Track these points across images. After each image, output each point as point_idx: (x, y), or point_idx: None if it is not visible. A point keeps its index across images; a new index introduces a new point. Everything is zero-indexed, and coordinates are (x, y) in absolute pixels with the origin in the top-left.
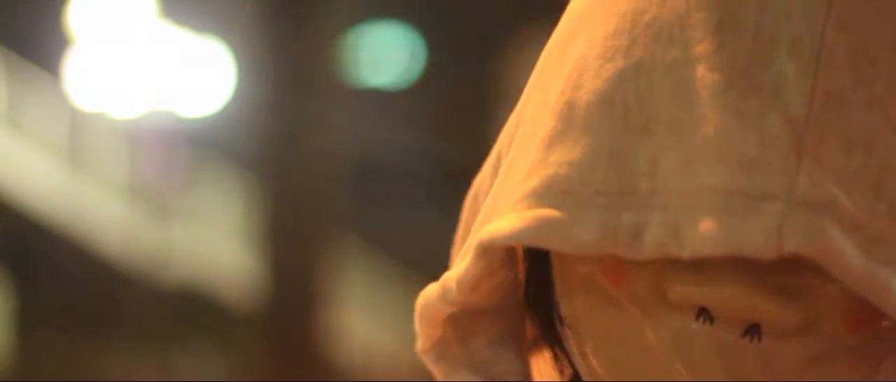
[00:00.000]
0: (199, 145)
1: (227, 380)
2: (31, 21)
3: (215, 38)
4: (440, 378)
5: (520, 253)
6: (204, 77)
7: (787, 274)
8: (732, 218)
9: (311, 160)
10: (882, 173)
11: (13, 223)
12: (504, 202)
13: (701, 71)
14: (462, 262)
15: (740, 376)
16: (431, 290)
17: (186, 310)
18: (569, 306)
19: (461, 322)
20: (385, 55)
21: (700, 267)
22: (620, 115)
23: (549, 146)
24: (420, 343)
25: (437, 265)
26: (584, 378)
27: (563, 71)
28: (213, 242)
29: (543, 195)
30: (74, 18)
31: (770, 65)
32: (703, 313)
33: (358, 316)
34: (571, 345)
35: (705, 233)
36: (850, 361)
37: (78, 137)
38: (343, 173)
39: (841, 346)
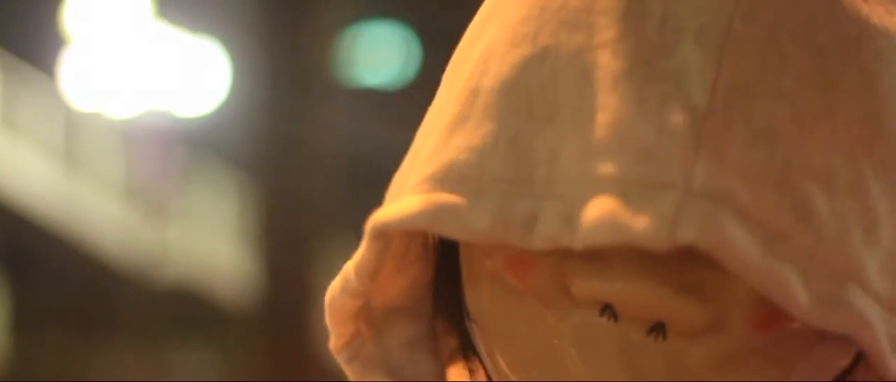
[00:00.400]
0: (194, 145)
1: (222, 380)
2: (27, 21)
3: (211, 37)
4: (353, 380)
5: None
6: (200, 77)
7: (693, 272)
8: (626, 207)
9: (307, 160)
10: (787, 167)
11: (9, 223)
12: (405, 186)
13: (605, 58)
14: (359, 250)
15: (643, 375)
16: (335, 283)
17: (182, 310)
18: (475, 301)
19: (376, 321)
20: (381, 54)
21: (604, 261)
22: (523, 102)
23: (451, 131)
24: (332, 341)
25: None
26: (491, 376)
27: (473, 56)
28: (208, 242)
29: (442, 180)
30: (70, 18)
31: (674, 53)
32: (608, 309)
33: None
34: (478, 341)
35: (598, 222)
36: (759, 364)
37: (74, 137)
38: (339, 173)
39: (749, 348)
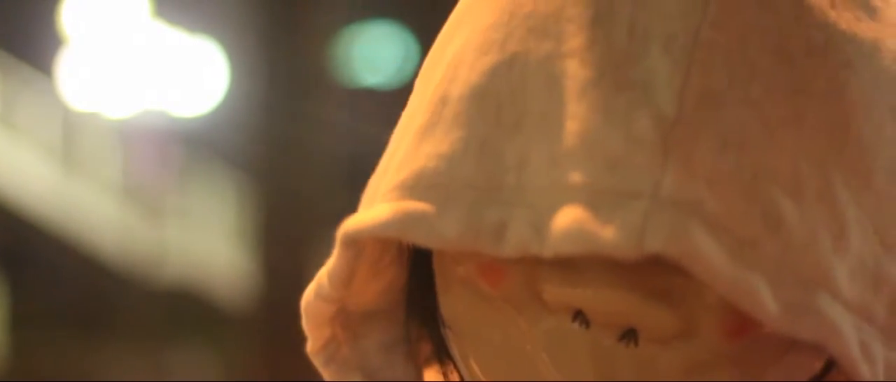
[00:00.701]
0: (192, 145)
1: (220, 380)
2: (25, 20)
3: (208, 37)
4: None
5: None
6: (197, 77)
7: (663, 278)
8: (595, 215)
9: (305, 160)
10: (755, 176)
11: (6, 222)
12: (377, 193)
13: (573, 66)
14: (332, 257)
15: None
16: (310, 287)
17: (180, 310)
18: (449, 307)
19: (352, 325)
20: (379, 54)
21: (575, 268)
22: (492, 110)
23: (421, 138)
24: (309, 345)
25: None
26: (465, 379)
27: (443, 63)
28: (206, 242)
29: (412, 187)
30: (68, 18)
31: (642, 62)
32: (579, 316)
33: None
34: (453, 347)
35: (566, 231)
36: (730, 370)
37: (71, 137)
38: (336, 173)
39: (720, 355)
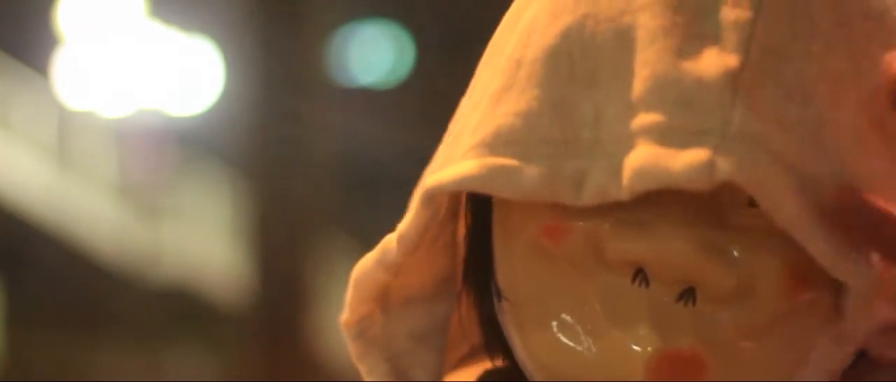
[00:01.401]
0: (187, 144)
1: (216, 380)
2: (20, 20)
3: (204, 37)
4: (354, 356)
5: (461, 235)
6: (193, 76)
7: (724, 235)
8: (667, 151)
9: (300, 159)
10: (819, 124)
11: (1, 222)
12: (452, 156)
13: (644, 18)
14: (406, 218)
15: (673, 342)
16: (368, 256)
17: (176, 310)
18: (507, 273)
19: (392, 309)
20: (374, 54)
21: (640, 224)
22: (566, 68)
23: (497, 101)
24: (345, 315)
25: None
26: (517, 355)
27: (514, 34)
28: (202, 241)
29: (491, 145)
30: (63, 17)
31: (711, 16)
32: (640, 274)
33: None
34: (507, 321)
35: (641, 168)
36: (785, 332)
37: (67, 136)
38: (332, 172)
39: (776, 315)
